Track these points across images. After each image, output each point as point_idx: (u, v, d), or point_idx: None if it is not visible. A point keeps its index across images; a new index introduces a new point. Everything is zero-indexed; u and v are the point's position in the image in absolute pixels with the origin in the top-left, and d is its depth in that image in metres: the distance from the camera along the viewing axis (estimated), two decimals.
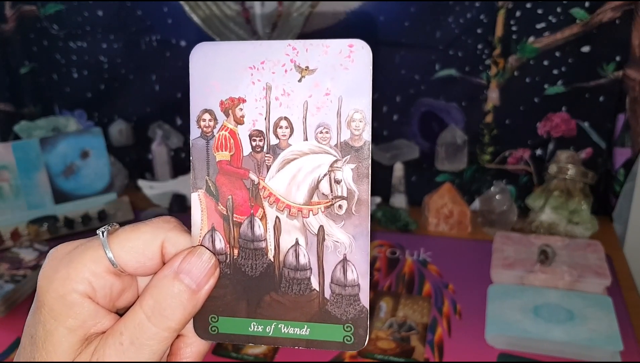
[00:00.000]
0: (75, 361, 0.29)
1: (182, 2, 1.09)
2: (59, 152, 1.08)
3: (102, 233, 0.30)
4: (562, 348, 0.72)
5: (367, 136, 0.30)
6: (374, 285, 0.88)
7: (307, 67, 0.30)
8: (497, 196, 1.02)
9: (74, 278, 0.29)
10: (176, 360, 0.32)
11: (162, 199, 1.14)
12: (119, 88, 1.21)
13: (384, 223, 1.06)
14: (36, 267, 0.91)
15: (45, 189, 1.08)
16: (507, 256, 0.89)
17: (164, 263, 0.30)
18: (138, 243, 0.30)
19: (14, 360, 0.30)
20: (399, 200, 1.10)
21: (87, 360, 0.28)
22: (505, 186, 1.05)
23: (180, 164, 1.21)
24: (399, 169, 1.09)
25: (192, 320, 0.31)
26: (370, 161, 0.30)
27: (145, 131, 1.22)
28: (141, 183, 1.18)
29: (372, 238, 1.03)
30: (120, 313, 0.31)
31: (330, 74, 0.30)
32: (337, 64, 0.30)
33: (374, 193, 1.13)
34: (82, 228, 1.06)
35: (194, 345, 0.32)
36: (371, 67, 0.29)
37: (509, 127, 1.05)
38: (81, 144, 1.10)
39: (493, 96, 1.04)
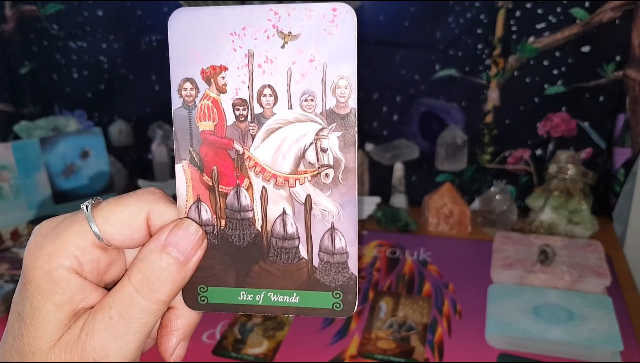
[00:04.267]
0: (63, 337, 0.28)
1: (182, 2, 1.09)
2: (59, 152, 1.08)
3: (86, 207, 0.29)
4: (562, 348, 0.72)
5: (352, 103, 0.29)
6: (374, 285, 0.88)
7: (290, 32, 0.29)
8: (497, 196, 1.02)
9: (60, 254, 0.28)
10: (167, 332, 0.31)
11: None
12: (119, 88, 1.21)
13: (384, 223, 1.06)
14: None
15: (45, 189, 1.08)
16: (507, 256, 0.89)
17: (150, 235, 0.30)
18: (123, 216, 0.29)
19: (2, 338, 0.30)
20: (399, 200, 1.10)
21: (77, 335, 0.28)
22: (505, 186, 1.05)
23: None
24: (399, 169, 1.09)
25: (181, 291, 0.31)
26: (356, 128, 0.29)
27: (145, 131, 1.22)
28: (141, 183, 1.18)
29: (372, 238, 1.03)
30: (108, 287, 0.30)
31: (314, 39, 0.29)
32: (321, 29, 0.29)
33: (374, 192, 1.13)
34: None
35: (185, 317, 0.32)
36: (356, 33, 0.29)
37: (509, 127, 1.05)
38: (81, 144, 1.10)
39: (493, 96, 1.04)
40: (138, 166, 1.25)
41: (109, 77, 1.20)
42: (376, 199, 1.11)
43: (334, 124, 0.30)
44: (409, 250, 0.98)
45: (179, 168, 0.31)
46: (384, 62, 1.07)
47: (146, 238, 0.30)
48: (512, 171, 1.08)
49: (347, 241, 0.31)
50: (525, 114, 1.04)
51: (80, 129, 1.19)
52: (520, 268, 0.85)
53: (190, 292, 0.31)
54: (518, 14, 0.98)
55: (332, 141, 0.30)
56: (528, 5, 0.97)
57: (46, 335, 0.28)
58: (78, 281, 0.29)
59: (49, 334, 0.28)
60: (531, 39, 0.98)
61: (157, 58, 1.15)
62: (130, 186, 1.23)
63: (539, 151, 1.06)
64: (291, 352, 0.74)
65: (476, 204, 1.08)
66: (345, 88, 0.29)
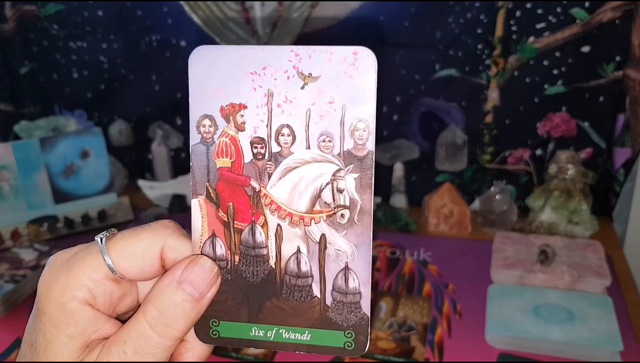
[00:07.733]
0: None
1: (182, 2, 1.09)
2: (59, 152, 1.08)
3: (101, 239, 0.30)
4: (562, 348, 0.72)
5: (370, 145, 0.29)
6: (373, 285, 0.88)
7: (310, 74, 0.29)
8: (497, 196, 1.02)
9: (74, 286, 0.29)
10: None
11: (162, 199, 1.14)
12: (119, 88, 1.21)
13: (384, 223, 1.06)
14: (36, 267, 0.91)
15: (45, 189, 1.08)
16: (507, 256, 0.89)
17: (164, 268, 0.30)
18: (137, 250, 0.30)
19: None
20: (399, 200, 1.10)
21: None
22: (505, 186, 1.05)
23: (180, 164, 1.21)
24: (399, 169, 1.09)
25: None
26: (373, 170, 0.30)
27: (145, 131, 1.22)
28: (141, 183, 1.18)
29: (372, 238, 1.02)
30: (120, 318, 0.31)
31: (334, 81, 0.29)
32: (341, 71, 0.29)
33: (374, 192, 1.13)
34: (82, 228, 1.06)
35: (196, 350, 0.32)
36: (376, 76, 0.29)
37: (509, 127, 1.05)
38: (81, 144, 1.10)
39: (493, 96, 1.04)
40: (138, 166, 1.25)
41: (109, 77, 1.20)
42: (376, 199, 1.11)
43: (351, 166, 0.30)
44: (409, 250, 0.98)
45: (195, 202, 0.31)
46: (383, 62, 1.06)
47: (160, 271, 0.30)
48: (512, 171, 1.08)
49: (360, 281, 0.31)
50: (525, 114, 1.04)
51: (80, 129, 1.19)
52: (520, 268, 0.85)
53: (203, 326, 0.32)
54: (518, 14, 0.98)
55: (349, 182, 0.30)
56: (528, 5, 0.97)
57: None
58: (91, 313, 0.29)
59: None
60: (531, 39, 0.98)
61: (157, 58, 1.15)
62: (130, 186, 1.23)
63: (539, 151, 1.06)
64: (291, 352, 0.74)
65: (476, 204, 1.09)
66: (364, 131, 0.29)
